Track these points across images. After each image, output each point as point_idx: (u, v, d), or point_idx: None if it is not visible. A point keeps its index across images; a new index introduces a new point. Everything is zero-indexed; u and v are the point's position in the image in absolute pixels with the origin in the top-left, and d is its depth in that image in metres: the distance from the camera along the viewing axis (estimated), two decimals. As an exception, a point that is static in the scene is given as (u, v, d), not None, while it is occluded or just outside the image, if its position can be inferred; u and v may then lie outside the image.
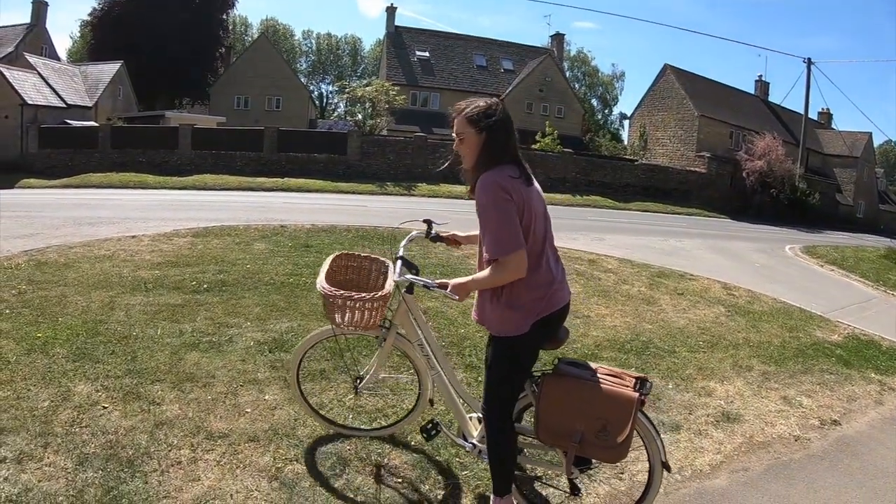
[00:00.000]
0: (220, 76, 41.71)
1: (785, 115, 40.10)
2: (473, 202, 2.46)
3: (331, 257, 3.13)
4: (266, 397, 3.77)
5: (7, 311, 5.04)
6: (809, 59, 33.13)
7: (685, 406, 4.36)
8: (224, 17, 45.10)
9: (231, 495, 2.81)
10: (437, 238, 3.13)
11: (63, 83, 29.52)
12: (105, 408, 3.51)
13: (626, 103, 74.97)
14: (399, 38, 39.42)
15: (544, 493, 3.09)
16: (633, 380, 2.53)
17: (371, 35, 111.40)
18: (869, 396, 5.08)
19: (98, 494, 2.72)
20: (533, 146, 28.96)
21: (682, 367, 5.16)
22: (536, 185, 2.56)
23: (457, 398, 2.97)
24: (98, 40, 38.69)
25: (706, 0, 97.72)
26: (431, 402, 3.27)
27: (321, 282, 2.83)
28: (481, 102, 2.49)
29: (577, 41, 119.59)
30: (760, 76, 43.27)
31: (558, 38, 43.81)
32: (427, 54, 38.93)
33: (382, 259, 3.28)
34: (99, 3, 39.08)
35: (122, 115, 30.72)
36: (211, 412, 3.56)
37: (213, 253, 7.91)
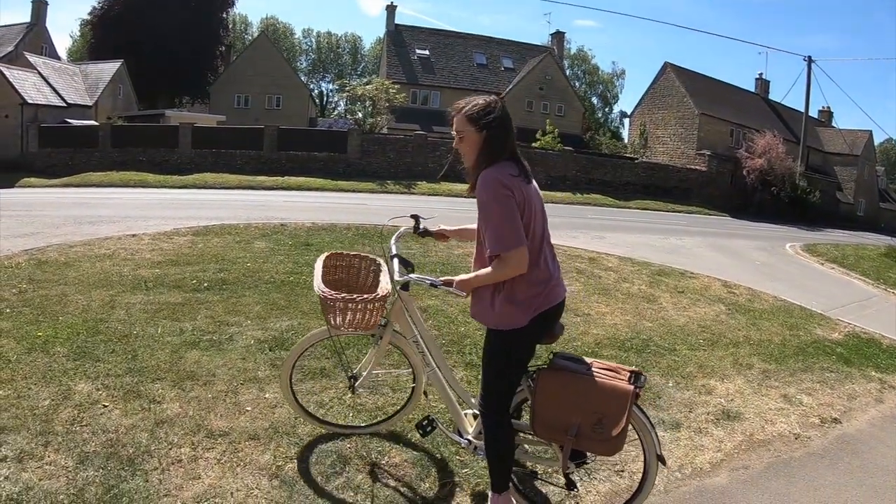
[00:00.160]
0: (220, 75, 41.68)
1: (785, 114, 40.09)
2: (474, 200, 2.47)
3: (321, 258, 3.10)
4: (266, 395, 3.77)
5: (8, 310, 5.05)
6: (810, 57, 33.19)
7: (685, 404, 4.36)
8: (224, 15, 45.07)
9: (231, 493, 2.81)
10: (426, 233, 3.15)
11: (63, 82, 29.52)
12: (105, 406, 3.51)
13: (627, 101, 75.54)
14: (399, 37, 39.40)
15: (541, 490, 3.09)
16: (628, 373, 2.55)
17: (371, 33, 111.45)
18: (869, 394, 5.08)
19: (98, 493, 2.72)
20: (533, 144, 28.99)
21: (683, 365, 5.16)
22: (534, 183, 2.58)
23: (452, 395, 2.97)
24: (98, 39, 38.68)
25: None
26: (425, 394, 3.31)
27: (320, 285, 2.81)
28: (480, 100, 2.49)
29: (577, 39, 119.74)
30: (761, 74, 43.41)
31: (558, 36, 43.84)
32: (427, 52, 38.92)
33: (372, 256, 3.28)
34: (99, 3, 39.04)
35: (122, 114, 30.73)
36: (211, 410, 3.56)
37: (214, 251, 7.91)
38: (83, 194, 17.12)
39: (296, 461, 3.12)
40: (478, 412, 2.79)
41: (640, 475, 2.75)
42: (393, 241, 3.12)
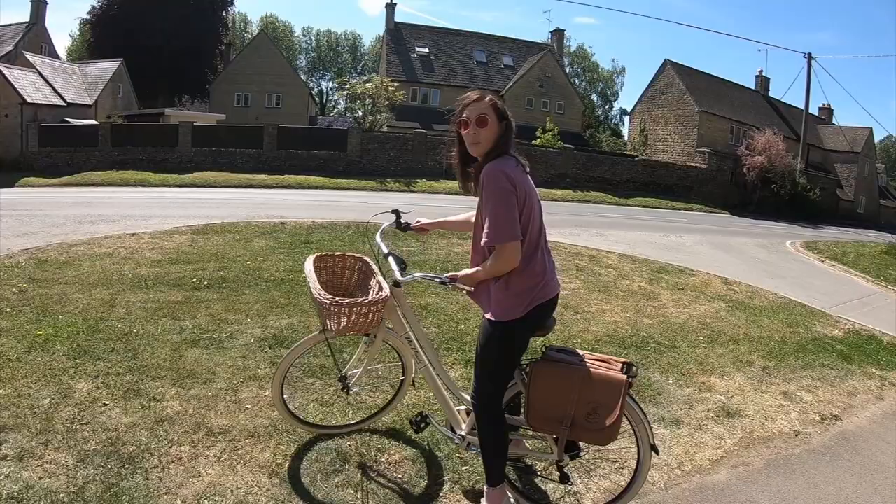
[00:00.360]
0: (219, 73, 41.67)
1: (785, 111, 40.08)
2: (472, 197, 2.49)
3: (310, 263, 3.02)
4: (266, 393, 3.77)
5: (8, 310, 5.05)
6: (810, 54, 33.15)
7: (685, 401, 4.36)
8: (223, 14, 45.07)
9: (231, 491, 2.81)
10: (407, 227, 3.16)
11: (63, 81, 29.49)
12: (106, 405, 3.51)
13: (627, 99, 75.56)
14: (399, 35, 39.37)
15: (540, 487, 3.09)
16: (620, 364, 2.59)
17: (371, 31, 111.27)
18: (869, 392, 5.08)
19: (99, 491, 2.72)
20: (533, 142, 28.99)
21: (683, 362, 5.16)
22: (530, 178, 2.61)
23: (445, 391, 2.97)
24: (97, 38, 38.65)
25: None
26: (413, 383, 3.33)
27: (319, 291, 2.77)
28: (490, 94, 2.57)
29: (577, 37, 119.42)
30: (761, 71, 43.20)
31: (558, 33, 43.82)
32: (427, 50, 38.90)
33: (358, 255, 3.25)
34: (98, 2, 38.99)
35: (122, 113, 30.69)
36: (211, 408, 3.57)
37: (214, 250, 7.91)
38: (83, 193, 17.12)
39: (296, 459, 3.12)
40: (470, 408, 2.79)
41: (634, 465, 2.77)
42: (380, 239, 3.11)
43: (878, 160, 50.20)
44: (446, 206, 15.30)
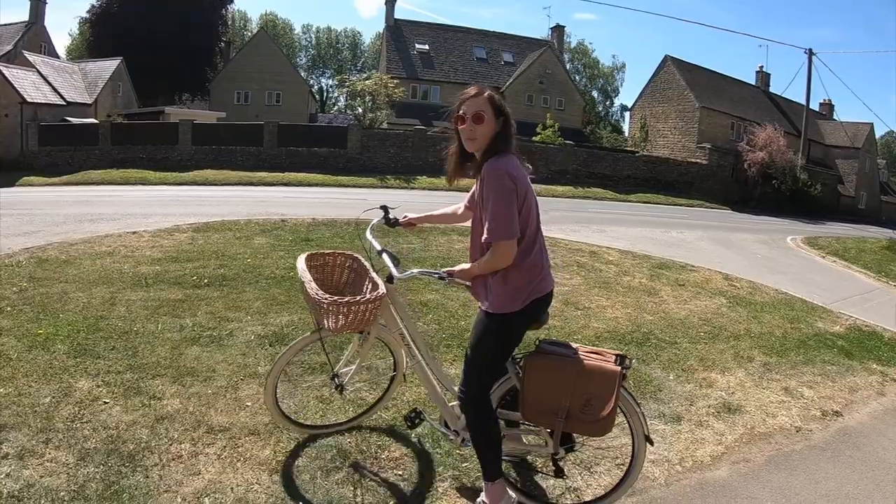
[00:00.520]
0: (219, 71, 41.63)
1: (786, 106, 40.00)
2: (464, 193, 2.49)
3: (302, 262, 2.97)
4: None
5: (8, 309, 5.05)
6: (811, 49, 33.05)
7: (686, 397, 4.35)
8: (223, 12, 45.08)
9: (231, 489, 2.81)
10: (396, 223, 3.16)
11: (62, 81, 29.47)
12: (106, 403, 3.51)
13: (627, 95, 75.38)
14: (398, 32, 39.30)
15: (535, 482, 3.08)
16: (614, 356, 2.60)
17: (370, 28, 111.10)
18: (871, 387, 5.07)
19: (99, 489, 2.72)
20: (534, 138, 28.97)
21: (684, 358, 5.15)
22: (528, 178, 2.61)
23: (438, 387, 2.96)
24: (97, 37, 38.62)
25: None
26: (405, 376, 3.33)
27: (317, 291, 2.73)
28: (488, 90, 2.57)
29: (577, 33, 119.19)
30: (761, 67, 43.09)
31: (558, 29, 43.69)
32: (427, 47, 38.83)
33: (349, 253, 3.23)
34: (97, 1, 38.94)
35: (121, 112, 30.66)
36: (211, 406, 3.57)
37: (214, 248, 7.91)
38: (83, 192, 17.12)
39: (296, 456, 3.12)
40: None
41: (629, 457, 2.77)
42: (371, 236, 3.10)
43: (879, 156, 50.14)
44: (447, 203, 15.23)
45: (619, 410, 2.57)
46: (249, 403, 3.62)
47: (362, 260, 3.15)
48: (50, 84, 28.12)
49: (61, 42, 67.33)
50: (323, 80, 70.01)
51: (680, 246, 12.77)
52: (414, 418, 2.99)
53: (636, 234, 13.89)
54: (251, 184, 20.99)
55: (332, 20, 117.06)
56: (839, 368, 5.43)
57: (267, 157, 25.45)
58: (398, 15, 40.16)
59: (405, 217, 3.18)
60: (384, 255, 2.93)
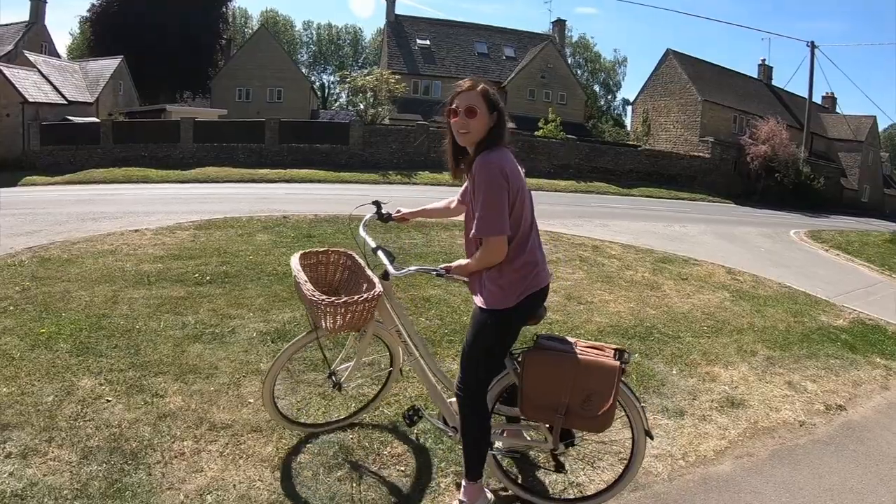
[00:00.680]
0: (220, 69, 41.54)
1: (789, 100, 39.81)
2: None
3: (296, 262, 2.94)
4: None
5: (11, 308, 5.06)
6: (813, 42, 32.89)
7: (689, 392, 4.34)
8: (224, 9, 44.94)
9: (234, 486, 2.81)
10: (389, 218, 3.13)
11: (64, 80, 29.48)
12: (109, 401, 3.52)
13: (629, 89, 75.06)
14: (399, 27, 39.24)
15: (537, 477, 3.08)
16: (612, 350, 2.58)
17: (371, 24, 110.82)
18: (874, 381, 5.05)
19: (102, 487, 2.73)
20: (536, 133, 28.93)
21: (687, 352, 5.14)
22: (522, 172, 2.58)
23: (436, 383, 2.95)
24: (98, 36, 38.56)
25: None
26: (401, 371, 3.33)
27: (313, 292, 2.71)
28: (482, 83, 2.52)
29: (578, 27, 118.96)
30: (764, 60, 42.93)
31: (560, 24, 43.56)
32: (428, 42, 38.76)
33: (342, 250, 3.21)
34: (98, 0, 38.92)
35: (123, 111, 30.67)
36: (214, 403, 3.57)
37: (216, 245, 7.92)
38: (86, 191, 17.15)
39: (298, 453, 3.12)
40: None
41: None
42: (364, 232, 3.06)
43: (883, 149, 49.90)
44: (449, 198, 15.24)
45: (618, 405, 2.55)
46: (252, 400, 3.62)
47: (357, 257, 3.12)
48: (51, 83, 28.13)
49: (62, 41, 67.36)
50: (324, 77, 69.99)
51: (683, 240, 12.74)
52: (412, 416, 2.97)
53: (639, 228, 13.86)
54: (253, 181, 21.00)
55: (335, 15, 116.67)
56: (843, 362, 5.41)
57: (269, 153, 25.46)
58: (399, 11, 40.11)
59: (398, 212, 3.15)
60: (379, 252, 2.90)
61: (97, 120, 27.21)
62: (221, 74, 40.63)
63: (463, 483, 2.70)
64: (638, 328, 5.65)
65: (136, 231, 8.89)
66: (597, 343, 2.68)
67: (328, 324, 2.72)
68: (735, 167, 31.96)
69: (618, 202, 21.77)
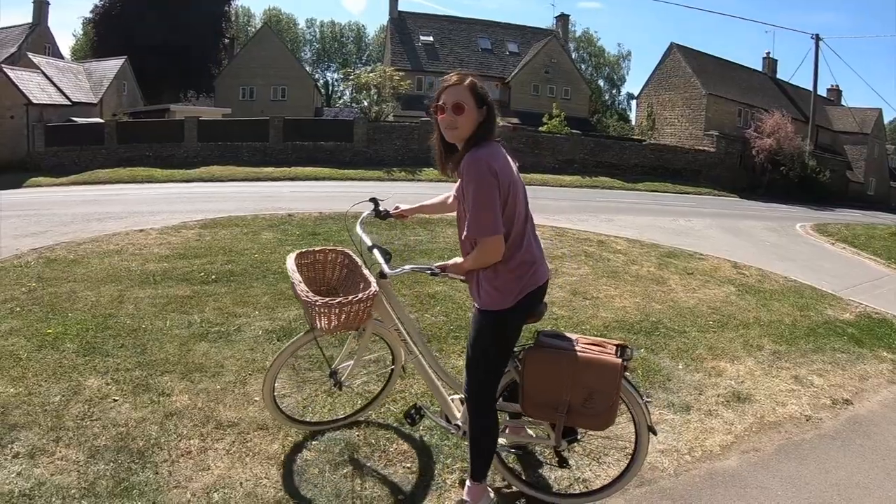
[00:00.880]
0: (224, 68, 41.65)
1: (794, 92, 39.55)
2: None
3: (292, 262, 2.92)
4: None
5: (18, 309, 5.09)
6: (818, 35, 32.61)
7: (695, 386, 4.33)
8: (226, 8, 45.01)
9: (241, 483, 2.83)
10: (387, 215, 3.10)
11: (67, 81, 29.59)
12: (115, 400, 3.54)
13: (634, 83, 74.82)
14: (403, 24, 39.20)
15: (542, 474, 3.08)
16: (614, 347, 2.55)
17: (374, 21, 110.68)
18: (881, 375, 5.02)
19: (109, 486, 2.74)
20: (540, 128, 28.87)
21: (692, 347, 5.13)
22: (515, 166, 2.54)
23: (437, 380, 2.93)
24: (101, 37, 38.65)
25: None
26: (404, 368, 3.33)
27: (307, 293, 2.69)
28: (469, 77, 2.47)
29: (582, 21, 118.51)
30: (768, 53, 42.78)
31: (563, 18, 43.43)
32: (431, 39, 38.71)
33: (339, 249, 3.19)
34: (100, 1, 38.99)
35: (127, 111, 30.76)
36: (220, 402, 3.58)
37: (221, 244, 7.94)
38: (91, 192, 17.22)
39: (304, 450, 3.13)
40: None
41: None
42: (360, 230, 3.03)
43: (889, 141, 49.57)
44: (446, 193, 15.22)
45: (621, 401, 2.54)
46: (258, 398, 3.62)
47: (353, 256, 3.10)
48: (55, 85, 28.24)
49: (65, 42, 67.69)
50: (328, 74, 70.02)
51: (688, 234, 12.70)
52: (414, 415, 2.96)
53: (644, 222, 13.82)
54: (258, 179, 21.03)
55: (336, 13, 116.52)
56: (849, 356, 5.38)
57: (273, 152, 25.47)
58: (402, 7, 40.03)
59: (396, 208, 3.11)
60: (375, 251, 2.87)
61: (101, 120, 27.28)
62: (225, 73, 40.72)
63: (467, 482, 2.70)
64: (644, 323, 5.64)
65: (142, 231, 8.92)
66: (599, 339, 2.65)
67: (323, 324, 2.71)
68: (740, 161, 31.79)
69: (623, 197, 21.70)
